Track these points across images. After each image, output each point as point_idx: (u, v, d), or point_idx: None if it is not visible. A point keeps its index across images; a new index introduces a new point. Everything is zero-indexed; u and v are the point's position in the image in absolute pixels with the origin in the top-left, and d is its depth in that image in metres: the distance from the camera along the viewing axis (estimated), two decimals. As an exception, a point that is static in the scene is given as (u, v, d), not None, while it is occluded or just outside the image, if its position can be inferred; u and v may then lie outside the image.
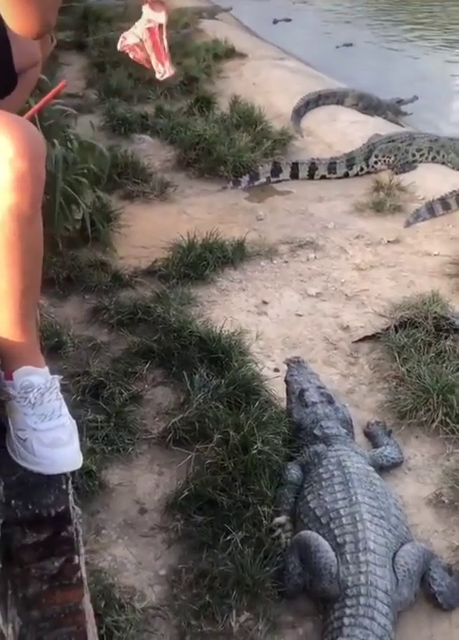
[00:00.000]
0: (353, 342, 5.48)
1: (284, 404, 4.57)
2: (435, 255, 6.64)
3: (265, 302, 5.98)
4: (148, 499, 4.08)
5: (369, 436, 4.58)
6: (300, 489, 3.95)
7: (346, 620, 3.23)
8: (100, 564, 3.64)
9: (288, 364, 4.72)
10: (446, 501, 4.11)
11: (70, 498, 1.72)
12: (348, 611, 3.26)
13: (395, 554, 3.51)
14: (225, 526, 3.72)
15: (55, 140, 5.41)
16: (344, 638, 3.17)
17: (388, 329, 5.35)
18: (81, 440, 2.03)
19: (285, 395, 4.59)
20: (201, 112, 9.04)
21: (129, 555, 3.75)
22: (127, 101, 9.66)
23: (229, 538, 3.66)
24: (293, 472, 4.04)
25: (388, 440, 4.47)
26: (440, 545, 3.90)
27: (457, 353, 4.97)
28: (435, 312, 5.33)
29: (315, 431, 4.23)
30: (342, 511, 3.59)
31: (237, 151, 7.98)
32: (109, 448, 4.26)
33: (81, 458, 1.83)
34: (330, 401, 4.42)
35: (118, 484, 4.14)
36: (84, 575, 1.90)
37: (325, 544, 3.50)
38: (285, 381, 4.62)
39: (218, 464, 3.97)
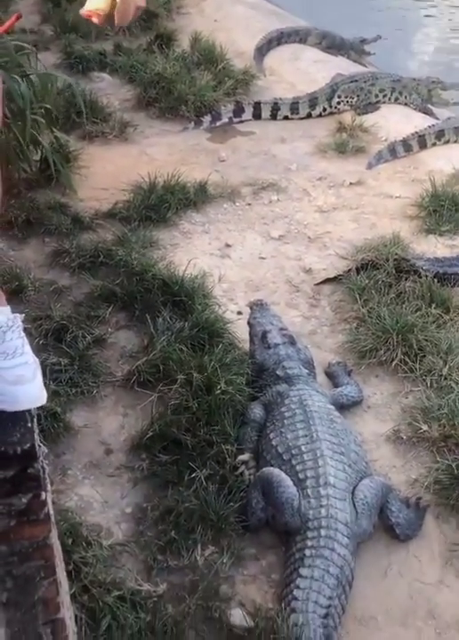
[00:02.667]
0: (315, 284, 5.53)
1: (247, 346, 4.62)
2: (396, 197, 6.67)
3: (228, 245, 5.96)
4: (113, 439, 4.13)
5: (330, 375, 4.67)
6: (262, 427, 4.04)
7: (307, 551, 3.36)
8: (67, 504, 3.69)
9: (251, 307, 4.75)
10: (404, 438, 4.23)
11: (36, 435, 1.74)
12: (309, 542, 3.38)
13: (354, 488, 3.64)
14: (189, 465, 3.79)
15: (17, 77, 5.24)
16: (306, 568, 3.30)
17: (349, 271, 5.40)
18: (45, 382, 2.03)
19: (248, 337, 4.63)
20: (161, 49, 8.77)
21: (95, 494, 3.81)
22: (84, 38, 9.28)
23: (193, 476, 3.73)
24: (256, 411, 4.11)
25: (348, 379, 4.57)
26: (398, 479, 4.04)
27: (417, 294, 5.06)
28: (396, 254, 5.39)
29: (277, 372, 4.30)
30: (303, 448, 3.69)
31: (199, 90, 7.81)
32: (74, 390, 4.26)
33: (45, 394, 1.84)
34: (292, 342, 4.48)
35: (84, 426, 4.17)
36: (52, 511, 1.93)
37: (287, 479, 3.60)
38: (248, 324, 4.66)
39: (182, 405, 4.02)
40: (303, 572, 3.27)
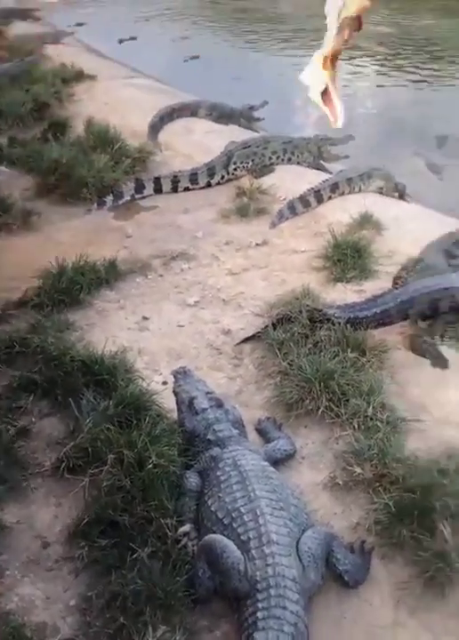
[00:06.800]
0: (236, 345, 5.60)
1: (175, 416, 4.59)
2: (302, 252, 6.90)
3: (145, 318, 5.99)
4: (49, 532, 3.99)
5: (261, 432, 4.70)
6: (200, 495, 4.00)
7: (259, 614, 3.30)
8: (8, 606, 3.53)
9: (175, 375, 4.75)
10: (341, 483, 4.27)
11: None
12: (260, 604, 3.33)
13: (298, 541, 3.62)
14: (130, 545, 3.71)
15: None
16: (260, 631, 3.24)
17: (266, 327, 5.51)
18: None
19: (175, 406, 4.61)
20: (56, 137, 8.92)
21: (36, 591, 3.66)
22: (-22, 133, 9.37)
23: (135, 556, 3.65)
24: (192, 480, 4.07)
25: (279, 433, 4.61)
26: (341, 525, 4.06)
27: (332, 341, 5.18)
28: (308, 305, 5.54)
29: (208, 436, 4.29)
30: (242, 509, 3.67)
31: (98, 172, 7.96)
32: (2, 487, 4.12)
33: None
34: (219, 405, 4.49)
35: (16, 522, 4.03)
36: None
37: (230, 544, 3.56)
38: (174, 392, 4.65)
39: (115, 485, 3.94)
40: (257, 636, 3.21)
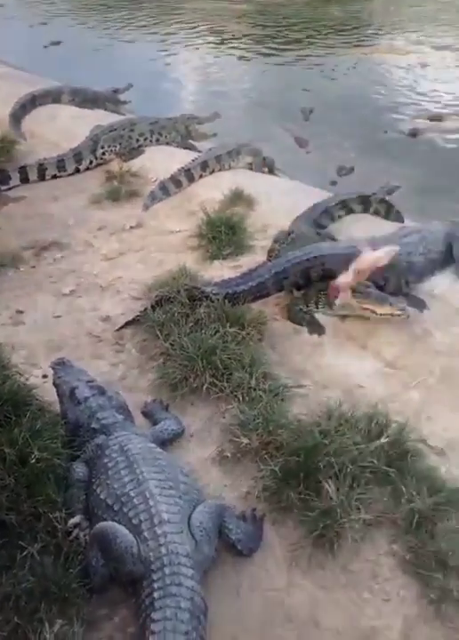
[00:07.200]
0: (116, 330, 5.53)
1: (58, 408, 4.48)
2: (177, 232, 6.90)
3: (20, 311, 5.79)
4: None
5: (147, 414, 4.68)
6: (89, 485, 3.93)
7: (156, 594, 3.30)
8: None
9: (53, 367, 4.64)
10: (229, 455, 4.33)
11: None
12: (156, 584, 3.33)
13: (190, 517, 3.64)
14: (19, 543, 3.59)
15: None
16: (157, 611, 3.24)
17: (146, 310, 5.46)
18: None
19: (57, 398, 4.50)
20: None
21: None
22: None
23: (25, 553, 3.54)
24: (79, 470, 4.00)
25: (166, 414, 4.61)
26: (231, 496, 4.12)
27: (212, 317, 5.22)
28: (186, 284, 5.54)
29: (92, 425, 4.23)
30: (131, 493, 3.65)
31: (-43, 167, 7.61)
32: None
33: None
34: (102, 392, 4.43)
35: None
36: None
37: (121, 529, 3.53)
38: (54, 384, 4.54)
39: (-2, 484, 3.80)
40: (155, 615, 3.21)
